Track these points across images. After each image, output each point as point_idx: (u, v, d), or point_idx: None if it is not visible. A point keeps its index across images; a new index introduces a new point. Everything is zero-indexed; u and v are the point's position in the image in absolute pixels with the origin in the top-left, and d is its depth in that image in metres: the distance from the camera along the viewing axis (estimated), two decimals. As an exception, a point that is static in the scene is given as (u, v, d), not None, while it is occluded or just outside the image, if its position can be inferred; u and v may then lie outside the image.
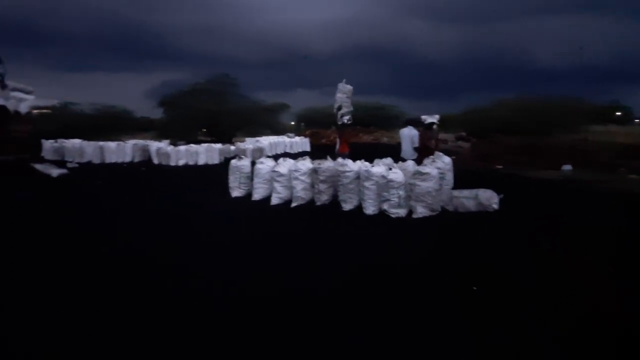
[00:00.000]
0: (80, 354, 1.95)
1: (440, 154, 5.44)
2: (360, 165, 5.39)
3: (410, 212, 4.82)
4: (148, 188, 7.52)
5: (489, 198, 5.04)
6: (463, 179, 5.76)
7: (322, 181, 5.46)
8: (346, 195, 5.21)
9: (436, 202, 4.84)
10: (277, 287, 2.77)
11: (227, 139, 19.14)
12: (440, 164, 5.31)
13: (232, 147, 14.03)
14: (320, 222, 4.75)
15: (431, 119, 6.72)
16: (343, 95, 8.15)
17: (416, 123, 6.93)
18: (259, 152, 12.98)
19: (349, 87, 8.19)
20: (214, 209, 5.55)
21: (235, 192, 6.26)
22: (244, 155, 10.50)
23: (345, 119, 8.07)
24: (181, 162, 12.47)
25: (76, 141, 13.80)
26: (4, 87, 8.31)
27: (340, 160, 5.59)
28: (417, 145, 6.67)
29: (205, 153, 12.99)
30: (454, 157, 7.30)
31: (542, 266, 3.13)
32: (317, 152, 7.37)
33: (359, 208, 5.13)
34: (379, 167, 5.17)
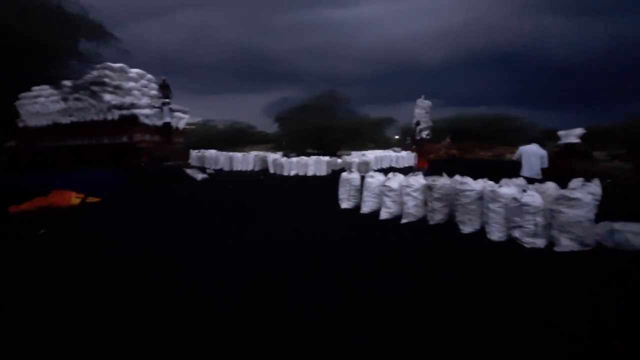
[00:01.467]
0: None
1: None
2: (484, 184, 4.81)
3: (551, 243, 4.01)
4: (268, 194, 8.35)
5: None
6: (624, 208, 4.54)
7: (437, 199, 5.07)
8: (466, 216, 4.70)
9: (588, 235, 3.92)
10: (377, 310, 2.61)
11: (332, 152, 19.98)
12: (595, 188, 4.32)
13: (339, 160, 14.51)
14: (436, 242, 4.38)
15: (571, 137, 5.65)
16: (422, 111, 8.13)
17: (544, 140, 6.03)
18: (364, 166, 13.07)
19: (428, 103, 8.12)
20: (325, 218, 5.74)
21: (345, 204, 6.38)
22: (350, 168, 10.73)
23: (424, 134, 8.13)
24: (293, 173, 13.52)
25: (212, 151, 16.53)
26: (171, 110, 10.61)
27: (458, 177, 5.11)
28: (546, 166, 5.70)
29: (314, 165, 13.76)
30: (609, 180, 5.88)
31: None
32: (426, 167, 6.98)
33: (480, 232, 4.56)
34: (509, 188, 4.51)
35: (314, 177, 12.84)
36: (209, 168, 14.40)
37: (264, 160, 15.28)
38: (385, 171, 6.46)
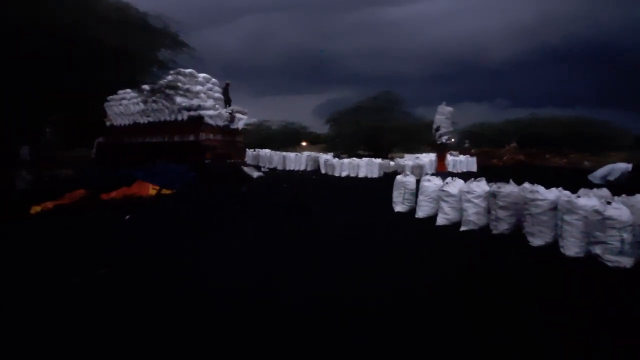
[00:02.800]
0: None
1: None
2: (558, 193, 4.36)
3: (642, 264, 3.50)
4: (320, 194, 8.49)
5: None
6: None
7: (502, 207, 4.72)
8: (536, 227, 4.31)
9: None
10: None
11: (384, 154, 19.63)
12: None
13: (392, 163, 14.21)
14: (500, 254, 4.08)
15: None
16: (442, 117, 8.49)
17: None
18: (418, 169, 12.62)
19: (449, 109, 8.38)
20: (379, 221, 5.67)
21: (399, 207, 6.24)
22: (403, 171, 10.44)
23: (444, 138, 8.45)
24: (344, 174, 13.55)
25: (267, 151, 17.27)
26: (232, 118, 11.47)
27: (527, 185, 4.70)
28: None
29: (366, 167, 13.64)
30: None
31: None
32: (486, 173, 6.43)
33: (553, 246, 4.14)
34: (590, 199, 4.03)
35: (365, 178, 12.73)
36: (263, 167, 15.08)
37: (315, 161, 15.54)
38: (440, 176, 6.23)
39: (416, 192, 6.10)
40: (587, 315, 2.61)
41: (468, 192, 5.08)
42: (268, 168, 14.95)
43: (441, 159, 8.69)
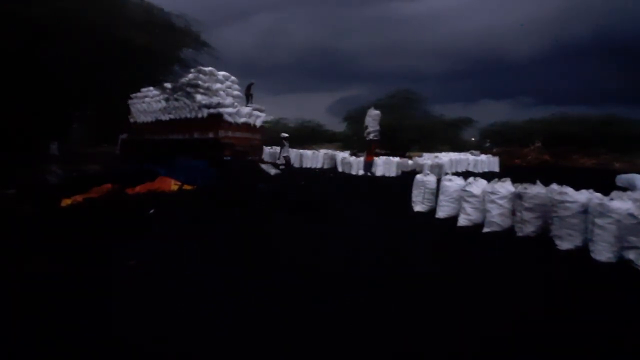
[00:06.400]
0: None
1: None
2: (589, 195, 4.17)
3: (682, 272, 3.30)
4: (337, 192, 8.47)
5: None
6: None
7: (528, 209, 4.56)
8: (564, 230, 4.13)
9: None
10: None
11: (402, 153, 19.36)
12: None
13: (410, 162, 14.01)
14: (525, 257, 3.95)
15: None
16: (370, 119, 10.84)
17: None
18: (437, 169, 12.39)
19: (376, 112, 10.90)
20: (398, 220, 5.60)
21: (418, 207, 6.14)
22: (421, 170, 10.28)
23: (371, 135, 10.78)
24: (361, 172, 13.46)
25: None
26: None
27: (555, 186, 4.53)
28: None
29: (383, 165, 13.49)
30: None
31: None
32: (509, 173, 6.29)
33: (582, 250, 3.97)
34: (624, 202, 3.83)
35: (383, 177, 12.60)
36: (280, 164, 15.18)
37: (332, 159, 15.51)
38: (461, 175, 6.10)
39: (436, 192, 5.99)
40: (616, 323, 2.48)
41: (492, 193, 4.93)
42: (284, 165, 15.05)
43: (370, 152, 11.61)
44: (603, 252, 3.75)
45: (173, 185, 6.78)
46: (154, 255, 3.69)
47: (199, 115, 11.50)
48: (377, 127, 10.76)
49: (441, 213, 5.66)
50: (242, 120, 11.80)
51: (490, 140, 27.27)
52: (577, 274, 3.45)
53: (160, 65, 11.87)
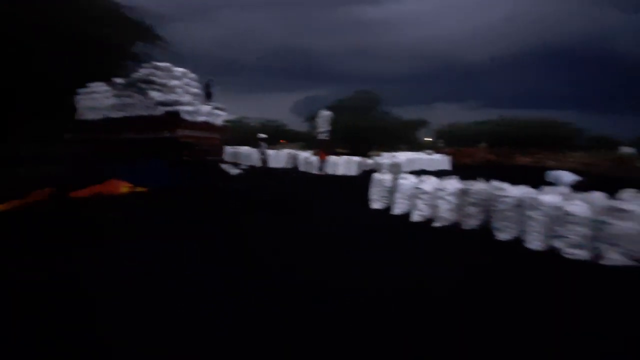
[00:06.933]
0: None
1: None
2: (524, 190, 4.62)
3: (597, 256, 3.79)
4: (299, 191, 8.52)
5: None
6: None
7: (473, 204, 4.94)
8: (502, 223, 4.55)
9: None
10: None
11: (363, 153, 19.88)
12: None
13: (370, 161, 14.43)
14: (468, 248, 4.28)
15: None
16: (321, 119, 12.13)
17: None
18: (395, 168, 12.90)
19: (327, 113, 12.35)
20: (356, 217, 5.78)
21: (376, 204, 6.37)
22: (381, 169, 10.67)
23: (322, 135, 12.08)
24: (322, 172, 13.62)
25: (246, 148, 17.05)
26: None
27: (495, 183, 4.96)
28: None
29: (344, 165, 13.77)
30: None
31: None
32: (459, 171, 6.81)
33: (517, 240, 4.39)
34: (552, 196, 4.30)
35: (344, 176, 12.86)
36: (242, 164, 14.88)
37: (294, 158, 15.51)
38: (417, 174, 6.46)
39: (393, 190, 6.26)
40: (543, 305, 2.81)
41: (441, 190, 5.28)
42: (247, 166, 14.77)
43: (322, 150, 12.60)
44: (534, 242, 4.19)
45: (123, 188, 6.38)
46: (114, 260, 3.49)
47: (154, 113, 10.90)
48: (328, 128, 11.82)
49: (397, 210, 5.94)
50: (202, 118, 11.36)
51: (443, 140, 28.92)
52: (508, 261, 3.82)
53: (110, 58, 11.03)
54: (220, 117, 11.85)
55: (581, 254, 3.83)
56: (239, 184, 8.97)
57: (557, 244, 4.02)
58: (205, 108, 11.63)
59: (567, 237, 3.91)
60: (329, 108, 27.09)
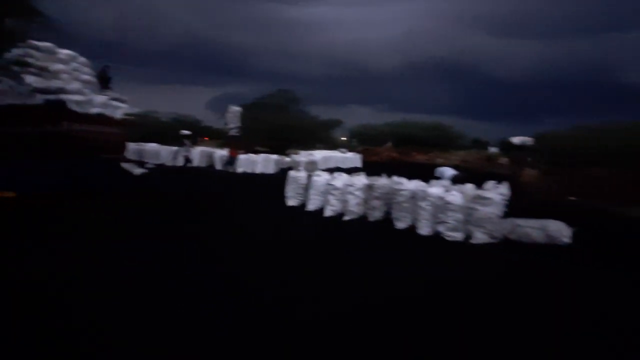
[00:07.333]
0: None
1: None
2: (416, 184, 5.37)
3: (468, 237, 4.66)
4: (214, 191, 8.19)
5: (560, 230, 4.68)
6: (529, 209, 5.42)
7: (377, 197, 5.53)
8: (400, 213, 5.21)
9: (497, 229, 4.63)
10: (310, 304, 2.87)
11: (281, 151, 20.06)
12: (504, 189, 5.10)
13: (287, 159, 14.66)
14: (372, 237, 4.80)
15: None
16: (231, 115, 11.99)
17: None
18: (311, 165, 13.40)
19: (237, 109, 12.21)
20: (271, 215, 5.88)
21: (291, 201, 6.57)
22: (298, 167, 10.97)
23: (233, 132, 12.19)
24: (240, 170, 13.32)
25: (153, 145, 15.53)
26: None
27: (395, 178, 5.63)
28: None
29: (262, 163, 13.71)
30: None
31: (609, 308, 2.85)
32: (367, 168, 7.55)
33: (412, 227, 5.09)
34: (437, 188, 5.11)
35: (262, 175, 12.82)
36: (148, 163, 13.53)
37: (210, 157, 14.79)
38: (332, 171, 6.88)
39: (308, 187, 6.54)
40: (426, 277, 3.38)
41: (350, 185, 5.76)
42: (155, 164, 13.47)
43: (233, 146, 12.69)
44: (424, 228, 4.92)
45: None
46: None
47: (31, 103, 9.13)
48: (237, 124, 11.74)
49: (311, 206, 6.24)
50: (95, 110, 9.98)
51: (356, 139, 31.04)
52: (402, 246, 4.44)
53: None
54: (119, 110, 10.58)
55: (457, 235, 4.67)
56: (139, 183, 8.18)
57: (440, 228, 4.81)
58: (100, 98, 10.27)
59: (447, 223, 4.71)
60: (248, 106, 26.48)
